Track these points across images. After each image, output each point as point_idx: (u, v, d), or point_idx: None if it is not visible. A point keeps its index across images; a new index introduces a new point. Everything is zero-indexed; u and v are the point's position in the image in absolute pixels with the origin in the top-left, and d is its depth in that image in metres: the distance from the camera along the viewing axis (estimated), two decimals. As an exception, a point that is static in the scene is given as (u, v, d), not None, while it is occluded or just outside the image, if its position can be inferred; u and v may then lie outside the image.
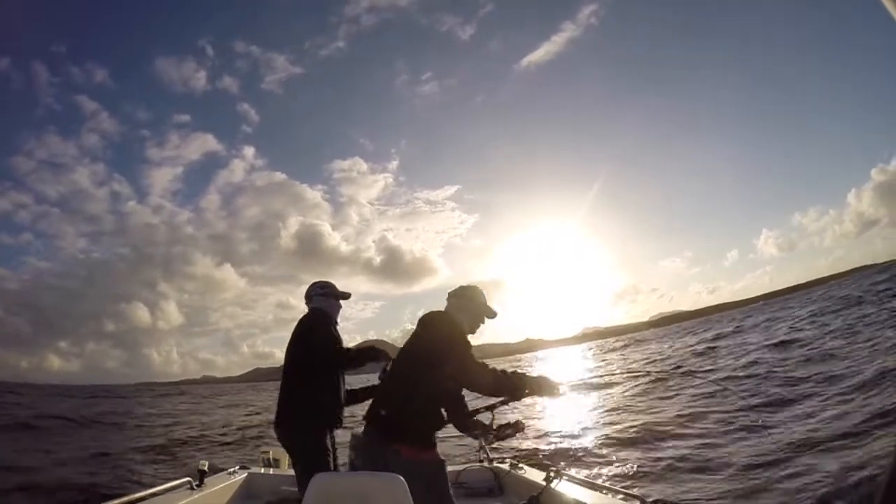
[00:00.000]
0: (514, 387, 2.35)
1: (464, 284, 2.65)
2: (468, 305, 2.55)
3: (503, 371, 2.37)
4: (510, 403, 2.56)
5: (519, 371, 2.40)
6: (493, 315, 2.61)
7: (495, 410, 2.62)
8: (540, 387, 2.37)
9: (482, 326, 2.59)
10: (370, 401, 2.57)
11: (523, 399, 2.45)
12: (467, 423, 2.62)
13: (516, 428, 2.56)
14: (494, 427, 2.58)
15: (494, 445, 2.67)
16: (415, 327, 2.52)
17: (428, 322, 2.47)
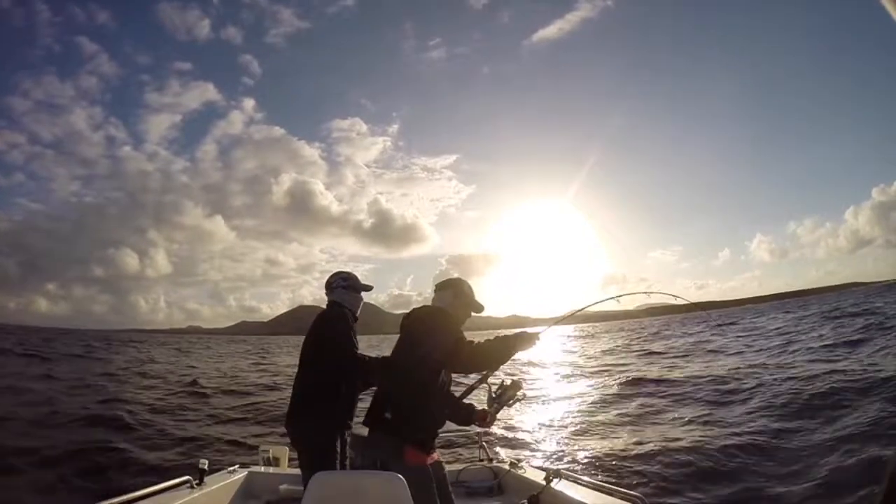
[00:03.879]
0: (505, 351, 2.38)
1: (450, 277, 2.63)
2: (454, 300, 2.53)
3: (488, 341, 2.39)
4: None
5: (500, 335, 2.42)
6: (479, 309, 2.60)
7: (488, 380, 2.61)
8: (523, 341, 2.41)
9: (468, 321, 2.59)
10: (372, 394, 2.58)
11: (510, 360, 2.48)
12: (464, 413, 2.57)
13: (516, 387, 2.53)
14: (495, 394, 2.54)
15: (497, 419, 2.59)
16: (400, 329, 2.52)
17: (416, 319, 2.46)
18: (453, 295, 2.54)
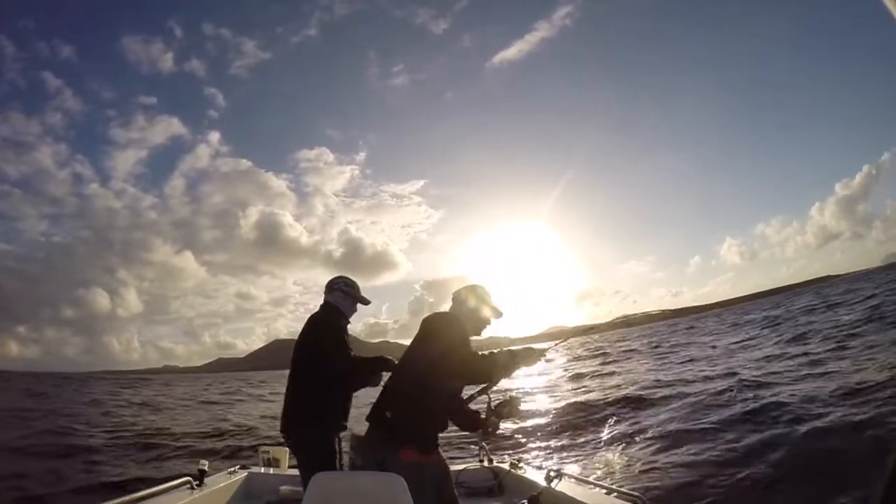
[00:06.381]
0: (507, 365, 2.37)
1: (469, 284, 2.63)
2: (471, 306, 2.54)
3: (491, 353, 2.39)
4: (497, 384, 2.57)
5: (504, 349, 2.41)
6: (498, 315, 2.59)
7: (489, 391, 2.60)
8: (525, 358, 2.39)
9: (488, 327, 2.59)
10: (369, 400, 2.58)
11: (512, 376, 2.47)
12: (470, 419, 2.61)
13: (514, 403, 2.56)
14: (493, 407, 2.56)
15: (497, 432, 2.59)
16: (418, 329, 2.51)
17: (428, 324, 2.47)
18: (471, 300, 2.55)
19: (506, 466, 3.77)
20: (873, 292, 22.80)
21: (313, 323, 3.02)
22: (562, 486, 3.05)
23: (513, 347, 2.44)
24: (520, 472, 3.63)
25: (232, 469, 3.74)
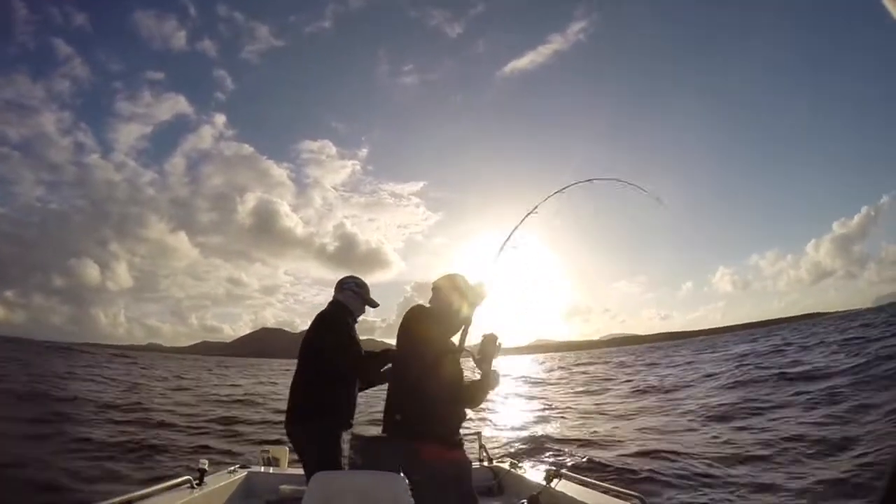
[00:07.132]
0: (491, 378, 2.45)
1: (448, 274, 2.59)
2: (452, 296, 2.49)
3: (473, 383, 2.47)
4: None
5: (479, 379, 2.47)
6: (478, 301, 2.52)
7: (466, 337, 2.55)
8: (492, 350, 2.43)
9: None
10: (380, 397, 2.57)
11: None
12: (478, 390, 2.52)
13: (489, 339, 2.48)
14: (479, 355, 2.49)
15: (499, 380, 2.53)
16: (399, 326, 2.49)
17: (415, 322, 2.45)
18: (439, 298, 2.52)
19: (506, 466, 3.77)
20: (855, 335, 21.62)
21: (322, 319, 3.00)
22: (561, 486, 3.05)
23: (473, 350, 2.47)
24: (519, 471, 3.63)
25: (232, 468, 3.74)
